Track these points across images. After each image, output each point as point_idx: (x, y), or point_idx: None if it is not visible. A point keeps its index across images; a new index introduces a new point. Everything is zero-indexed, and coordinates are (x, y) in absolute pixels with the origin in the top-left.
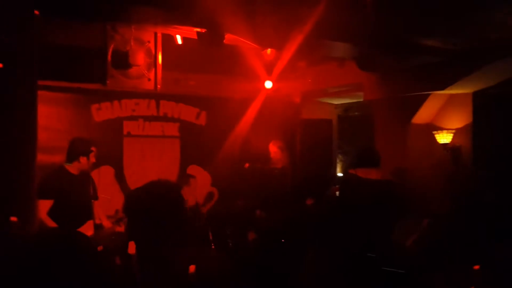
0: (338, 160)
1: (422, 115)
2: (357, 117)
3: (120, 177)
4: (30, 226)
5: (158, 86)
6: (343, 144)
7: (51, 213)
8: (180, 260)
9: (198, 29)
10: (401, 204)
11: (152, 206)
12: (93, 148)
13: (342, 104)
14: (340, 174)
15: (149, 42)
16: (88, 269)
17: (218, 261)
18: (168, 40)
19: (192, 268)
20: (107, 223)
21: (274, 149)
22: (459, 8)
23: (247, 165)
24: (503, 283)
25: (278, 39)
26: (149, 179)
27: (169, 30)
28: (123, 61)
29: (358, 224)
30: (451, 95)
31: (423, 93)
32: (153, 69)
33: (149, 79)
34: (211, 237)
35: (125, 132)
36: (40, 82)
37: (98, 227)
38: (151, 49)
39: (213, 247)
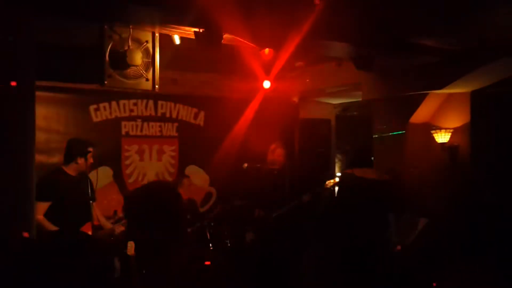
0: (336, 160)
1: (420, 115)
2: (356, 117)
3: (118, 178)
4: (29, 229)
5: (156, 86)
6: (341, 143)
7: (49, 215)
8: (178, 259)
9: (196, 29)
10: (397, 204)
11: (151, 207)
12: (90, 149)
13: (340, 103)
14: (338, 174)
15: (147, 42)
16: (91, 268)
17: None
18: (166, 40)
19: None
20: (105, 224)
21: (273, 150)
22: (457, 8)
23: (245, 165)
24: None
25: (276, 39)
26: (148, 179)
27: (167, 30)
28: (121, 61)
29: (355, 222)
30: (449, 95)
31: (421, 92)
32: (151, 69)
33: (147, 79)
34: (209, 237)
35: (123, 133)
36: (38, 83)
37: (96, 228)
38: (149, 49)
39: (211, 247)
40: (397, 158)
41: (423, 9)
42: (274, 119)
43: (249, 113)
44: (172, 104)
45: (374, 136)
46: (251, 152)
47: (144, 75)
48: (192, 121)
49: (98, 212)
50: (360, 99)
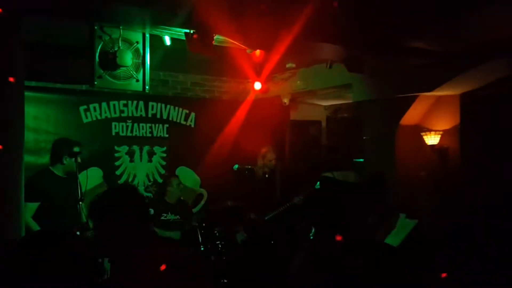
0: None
1: (410, 117)
2: (346, 119)
3: (108, 179)
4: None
5: (147, 87)
6: (332, 145)
7: (37, 217)
8: (149, 261)
9: (187, 30)
10: (378, 207)
11: (115, 212)
12: (77, 149)
13: (331, 105)
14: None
15: (137, 42)
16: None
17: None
18: (157, 41)
19: (162, 267)
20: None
21: (264, 154)
22: (447, 10)
23: (236, 166)
24: None
25: (267, 41)
26: (138, 180)
27: (157, 31)
28: (111, 62)
29: (337, 224)
30: (439, 97)
31: (411, 94)
32: (142, 70)
33: (137, 80)
34: (200, 239)
35: (113, 133)
36: (27, 83)
37: (85, 229)
38: (140, 50)
39: (202, 248)
40: (387, 160)
41: (413, 11)
42: (265, 121)
43: (240, 114)
44: (163, 105)
45: (364, 137)
46: (242, 153)
47: (135, 76)
48: (183, 122)
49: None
50: (350, 101)
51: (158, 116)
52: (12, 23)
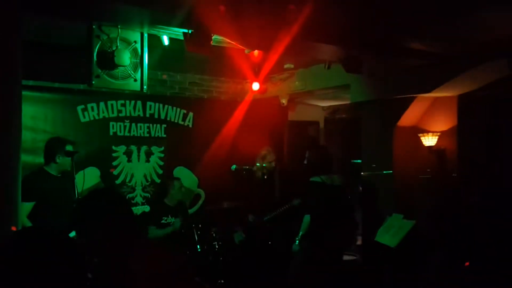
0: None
1: (408, 118)
2: (344, 119)
3: (106, 179)
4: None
5: (145, 87)
6: (330, 146)
7: (32, 216)
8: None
9: (185, 30)
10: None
11: (97, 214)
12: (71, 147)
13: (329, 106)
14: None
15: (135, 42)
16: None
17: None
18: (155, 40)
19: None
20: None
21: (264, 156)
22: (447, 10)
23: (234, 166)
24: None
25: (265, 41)
26: (136, 180)
27: (155, 31)
28: (109, 62)
29: (331, 226)
30: (436, 98)
31: (409, 95)
32: (140, 70)
33: (135, 80)
34: (197, 239)
35: (111, 133)
36: (25, 82)
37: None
38: (138, 50)
39: (199, 249)
40: (385, 161)
41: (413, 11)
42: (263, 121)
43: (238, 114)
44: (161, 105)
45: (362, 138)
46: (240, 154)
47: (132, 76)
48: (181, 122)
49: None
50: (349, 102)
51: (156, 116)
52: (12, 23)
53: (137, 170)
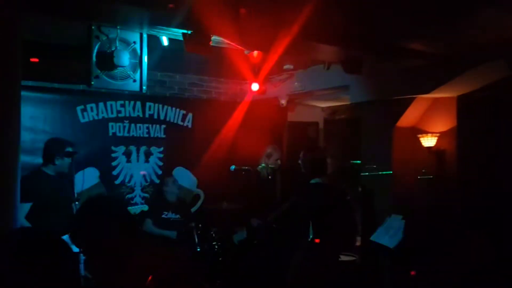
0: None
1: (407, 119)
2: (344, 120)
3: (105, 179)
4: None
5: (144, 88)
6: (329, 147)
7: (30, 217)
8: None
9: (184, 31)
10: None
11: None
12: (70, 149)
13: (328, 107)
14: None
15: (134, 42)
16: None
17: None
18: (154, 41)
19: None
20: None
21: (269, 154)
22: (447, 10)
23: (233, 167)
24: None
25: (265, 41)
26: (135, 180)
27: (155, 31)
28: (108, 62)
29: (334, 226)
30: (436, 99)
31: (408, 96)
32: (139, 70)
33: (134, 81)
34: (196, 240)
35: (110, 134)
36: (24, 83)
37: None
38: (137, 50)
39: (198, 249)
40: (384, 161)
41: (413, 12)
42: (262, 122)
43: (237, 115)
44: (160, 106)
45: (362, 139)
46: (239, 154)
47: (132, 76)
48: (180, 123)
49: None
50: (348, 103)
51: (155, 116)
52: (12, 23)
53: (136, 170)
